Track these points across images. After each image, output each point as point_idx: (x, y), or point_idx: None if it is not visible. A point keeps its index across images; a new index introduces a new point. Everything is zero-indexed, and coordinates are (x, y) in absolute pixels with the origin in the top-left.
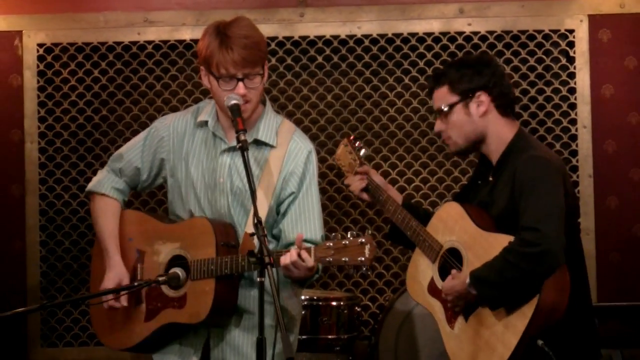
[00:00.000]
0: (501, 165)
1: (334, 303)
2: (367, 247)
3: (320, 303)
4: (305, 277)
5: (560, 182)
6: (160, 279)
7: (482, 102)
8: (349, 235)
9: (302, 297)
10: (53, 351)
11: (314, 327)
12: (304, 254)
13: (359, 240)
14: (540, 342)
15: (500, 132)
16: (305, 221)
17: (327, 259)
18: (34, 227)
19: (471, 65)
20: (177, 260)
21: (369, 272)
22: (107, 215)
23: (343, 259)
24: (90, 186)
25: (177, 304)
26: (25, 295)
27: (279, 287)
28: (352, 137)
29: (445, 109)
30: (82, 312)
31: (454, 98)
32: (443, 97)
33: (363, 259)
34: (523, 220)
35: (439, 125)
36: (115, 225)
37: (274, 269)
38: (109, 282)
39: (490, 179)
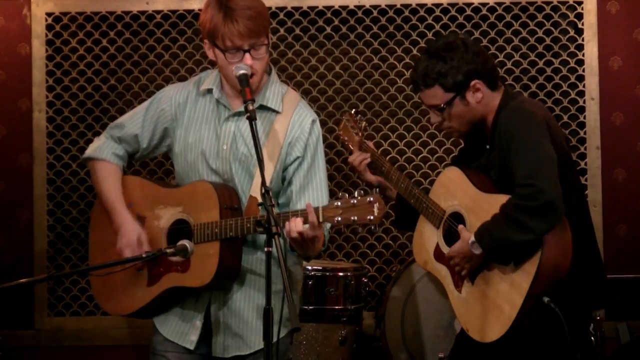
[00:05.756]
0: (494, 129)
1: (340, 274)
2: (376, 205)
3: (327, 274)
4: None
5: (545, 131)
6: (168, 250)
7: (478, 89)
8: (356, 194)
9: (309, 268)
10: (60, 320)
11: (320, 297)
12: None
13: (368, 198)
14: (546, 299)
15: (493, 104)
16: (312, 189)
17: (336, 219)
18: (42, 196)
19: (454, 55)
20: (179, 225)
21: (377, 229)
22: (110, 179)
23: (352, 218)
24: (88, 152)
25: (180, 267)
26: (32, 264)
27: (286, 256)
28: (353, 111)
29: (443, 105)
30: (89, 282)
31: (449, 95)
32: (436, 95)
33: (372, 217)
34: (517, 178)
35: (435, 118)
36: (119, 188)
37: (281, 239)
38: (131, 234)
39: (487, 146)
